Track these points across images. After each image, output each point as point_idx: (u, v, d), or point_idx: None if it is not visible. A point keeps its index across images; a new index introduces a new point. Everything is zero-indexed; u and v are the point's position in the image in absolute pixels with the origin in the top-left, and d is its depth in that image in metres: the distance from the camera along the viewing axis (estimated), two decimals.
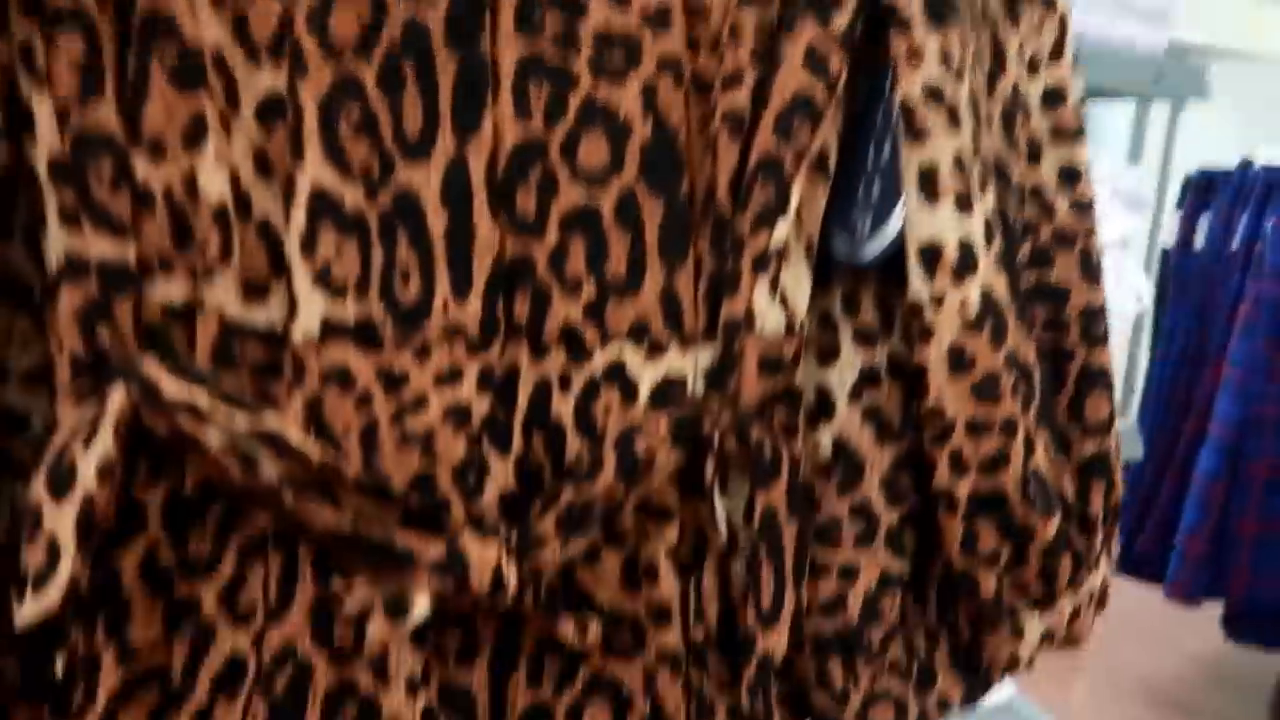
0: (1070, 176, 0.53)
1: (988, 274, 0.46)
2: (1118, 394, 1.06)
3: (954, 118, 0.44)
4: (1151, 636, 2.84)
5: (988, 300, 0.46)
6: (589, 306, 0.42)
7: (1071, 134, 0.52)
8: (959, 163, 0.44)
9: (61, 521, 0.36)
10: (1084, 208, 0.53)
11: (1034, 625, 0.50)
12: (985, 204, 0.46)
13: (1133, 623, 2.94)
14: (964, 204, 0.45)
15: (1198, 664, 2.63)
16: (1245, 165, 2.16)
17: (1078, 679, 2.63)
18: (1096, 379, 0.53)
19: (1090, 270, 0.53)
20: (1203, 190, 2.27)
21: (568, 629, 0.43)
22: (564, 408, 0.43)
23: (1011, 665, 0.51)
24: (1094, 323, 0.53)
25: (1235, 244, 2.12)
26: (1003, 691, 1.30)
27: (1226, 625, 2.29)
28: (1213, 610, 2.34)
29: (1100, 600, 0.53)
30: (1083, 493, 0.53)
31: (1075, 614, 0.51)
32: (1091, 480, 0.53)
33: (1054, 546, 0.47)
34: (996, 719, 1.24)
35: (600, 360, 0.43)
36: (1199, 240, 2.27)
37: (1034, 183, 0.52)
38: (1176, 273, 2.34)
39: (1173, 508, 2.24)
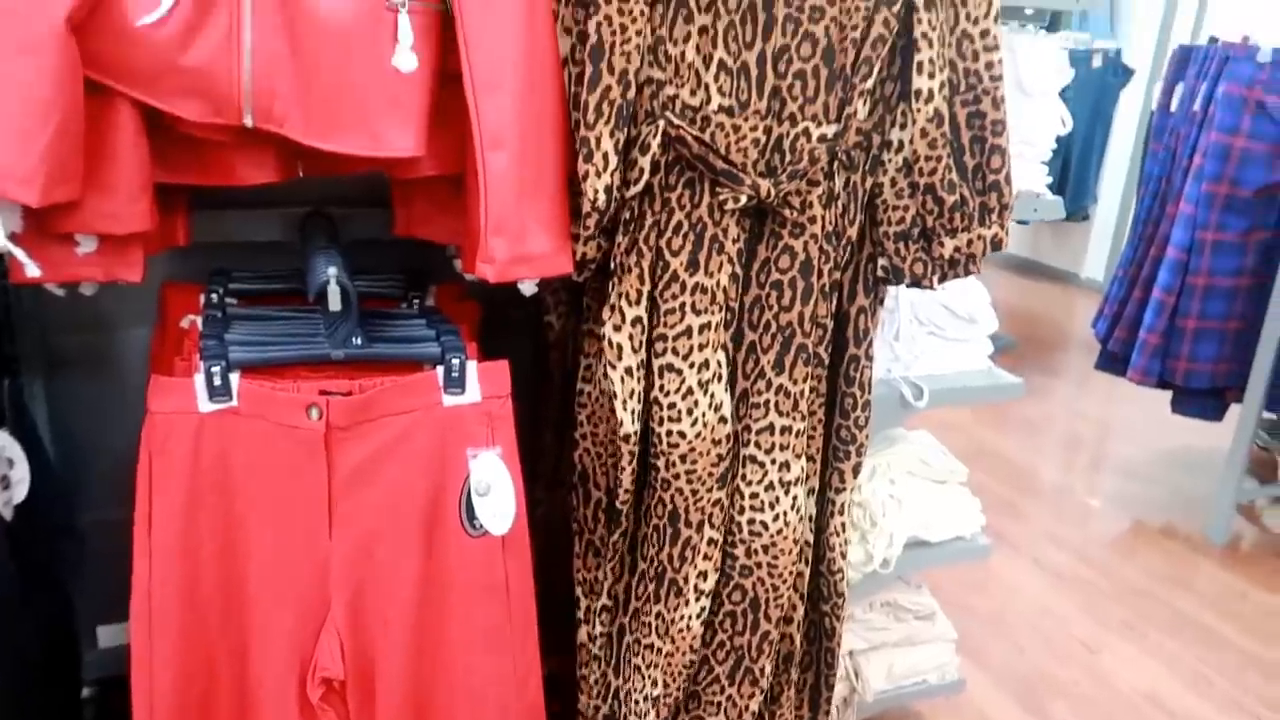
0: (989, 64, 1.17)
1: (939, 100, 1.12)
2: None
3: (930, 42, 1.10)
4: (1127, 434, 3.55)
5: (937, 112, 1.12)
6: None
7: (992, 46, 1.17)
8: (932, 62, 1.10)
9: None
10: (995, 77, 1.18)
11: (949, 243, 1.18)
12: (941, 75, 1.12)
13: (1113, 424, 3.65)
14: (932, 75, 1.11)
15: (1161, 452, 3.34)
16: (1211, 41, 2.71)
17: (1076, 460, 3.35)
18: (999, 133, 1.17)
19: (995, 101, 1.18)
20: (1181, 63, 2.83)
21: (785, 213, 1.12)
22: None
23: (950, 263, 1.19)
24: (997, 127, 1.18)
25: (1197, 106, 2.70)
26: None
27: (1173, 404, 2.98)
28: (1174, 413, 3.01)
29: (994, 244, 1.20)
30: (985, 168, 1.18)
31: (972, 243, 1.19)
32: (990, 159, 1.17)
33: (957, 203, 1.15)
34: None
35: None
36: (1175, 103, 2.84)
37: (968, 65, 1.17)
38: (1157, 129, 2.92)
39: (1137, 315, 2.89)
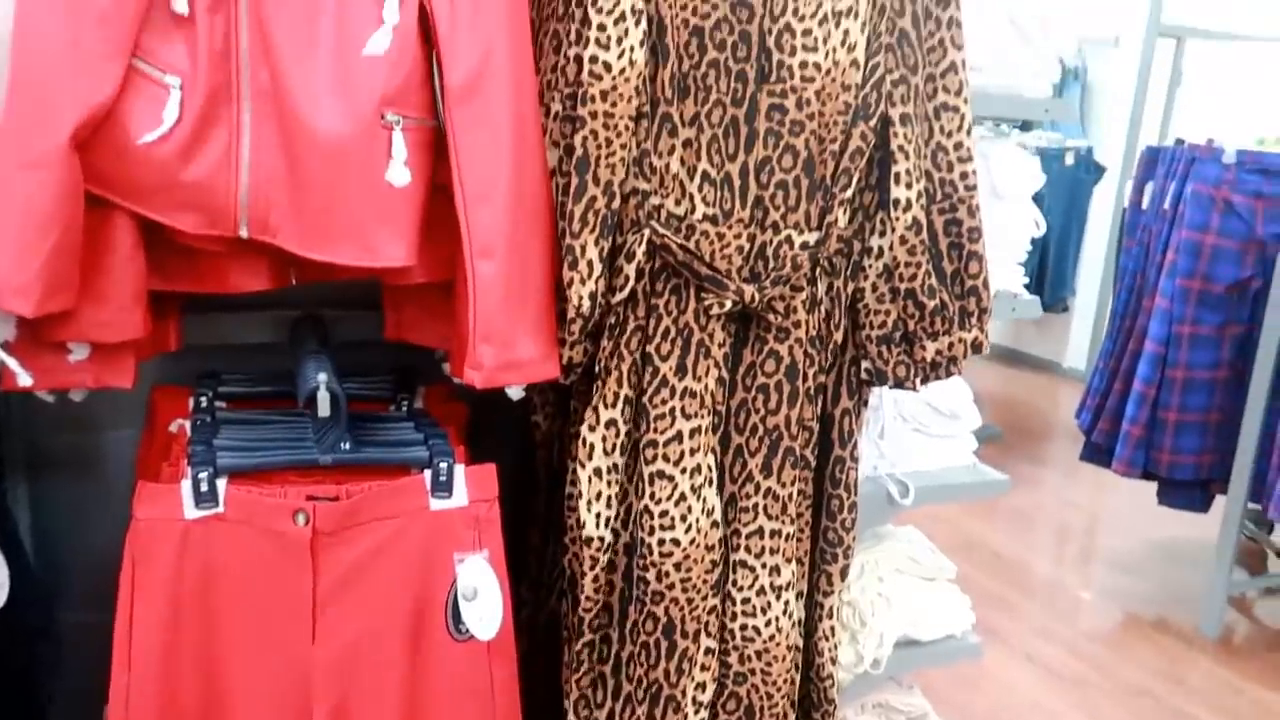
0: (964, 174, 1.22)
1: (917, 209, 1.16)
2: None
3: (906, 154, 1.14)
4: (1116, 524, 3.55)
5: (915, 220, 1.16)
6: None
7: (965, 158, 1.21)
8: (909, 173, 1.14)
9: None
10: (969, 186, 1.22)
11: (931, 346, 1.20)
12: (918, 186, 1.16)
13: (1101, 514, 3.65)
14: (910, 185, 1.15)
15: (1150, 543, 3.33)
16: (1178, 143, 2.82)
17: (1066, 552, 3.34)
18: (975, 240, 1.21)
19: (970, 210, 1.21)
20: (1150, 163, 2.92)
21: (769, 318, 1.13)
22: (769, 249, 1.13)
23: (932, 366, 1.21)
24: (974, 234, 1.22)
25: (1168, 204, 2.78)
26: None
27: (1159, 495, 2.99)
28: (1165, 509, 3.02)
29: (975, 347, 1.23)
30: (964, 274, 1.21)
31: (953, 346, 1.21)
32: (968, 265, 1.21)
33: (937, 307, 1.18)
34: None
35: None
36: (1146, 201, 2.92)
37: (944, 175, 1.21)
38: (1129, 226, 3.00)
39: (1119, 407, 2.92)
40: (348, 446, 1.07)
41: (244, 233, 0.95)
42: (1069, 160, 4.55)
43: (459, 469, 1.08)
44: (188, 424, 1.13)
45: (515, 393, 1.11)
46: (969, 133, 1.19)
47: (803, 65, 1.10)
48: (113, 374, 1.00)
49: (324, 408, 1.04)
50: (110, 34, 0.87)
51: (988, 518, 3.44)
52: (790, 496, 1.21)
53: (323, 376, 1.04)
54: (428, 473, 1.07)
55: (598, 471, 1.14)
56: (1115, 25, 4.83)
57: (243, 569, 1.02)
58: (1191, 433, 2.77)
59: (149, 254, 0.98)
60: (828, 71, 1.10)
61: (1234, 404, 2.69)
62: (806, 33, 1.09)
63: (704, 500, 1.17)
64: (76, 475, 1.35)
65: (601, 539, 1.16)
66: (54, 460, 1.34)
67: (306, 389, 1.04)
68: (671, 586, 1.16)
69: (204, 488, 1.00)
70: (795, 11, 1.09)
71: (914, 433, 1.66)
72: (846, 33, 1.10)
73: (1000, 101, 1.50)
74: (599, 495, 1.14)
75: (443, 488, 1.08)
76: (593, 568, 1.17)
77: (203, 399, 1.18)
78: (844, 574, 1.29)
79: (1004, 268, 1.61)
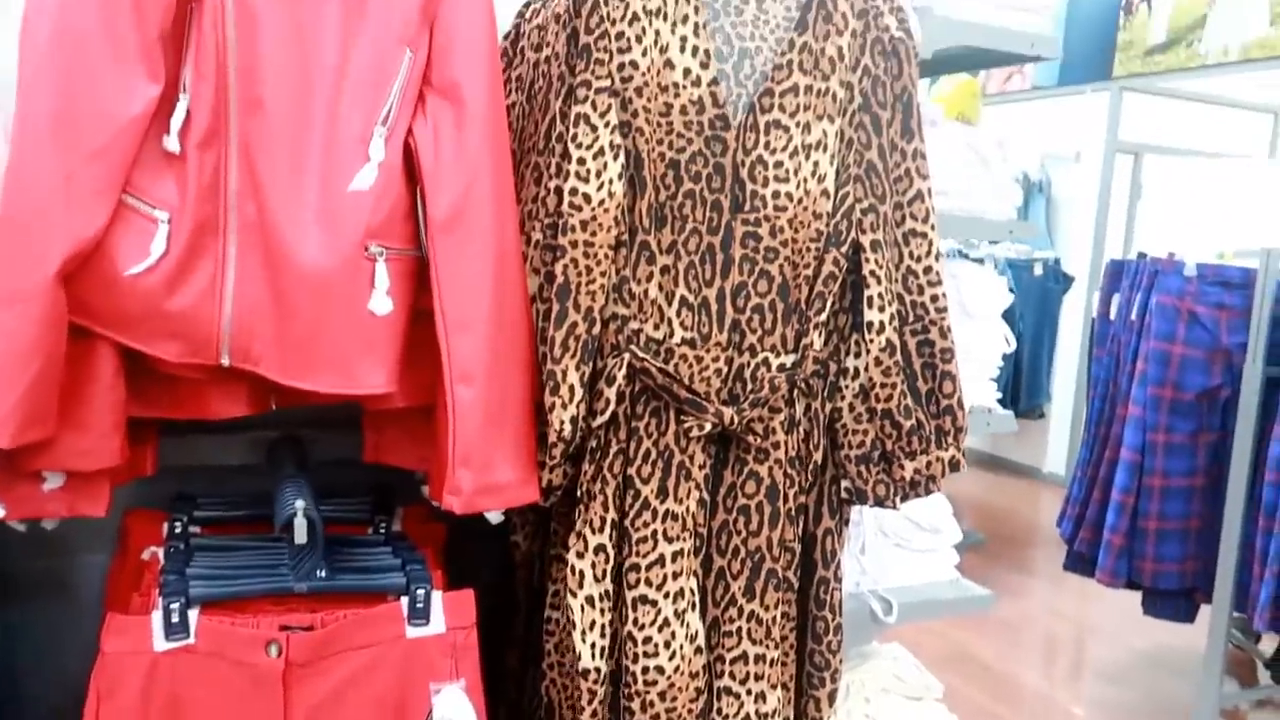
0: (934, 297, 1.25)
1: (890, 331, 1.19)
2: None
3: (878, 278, 1.17)
4: (1104, 634, 3.51)
5: (889, 342, 1.18)
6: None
7: (935, 281, 1.24)
8: (881, 296, 1.18)
9: None
10: (940, 309, 1.25)
11: (909, 465, 1.21)
12: (890, 309, 1.19)
13: (1088, 624, 3.61)
14: (882, 309, 1.18)
15: (1139, 653, 3.29)
16: (1140, 256, 2.90)
17: (1055, 664, 3.29)
18: (948, 360, 1.23)
19: (942, 331, 1.25)
20: (1114, 275, 3.00)
21: (749, 439, 1.14)
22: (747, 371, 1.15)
23: (911, 485, 1.22)
24: (946, 355, 1.25)
25: (1134, 315, 2.84)
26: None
27: (1145, 606, 2.96)
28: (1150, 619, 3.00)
29: (953, 466, 1.24)
30: (938, 393, 1.23)
31: (931, 465, 1.22)
32: (942, 385, 1.23)
33: (914, 427, 1.19)
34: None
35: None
36: (1113, 312, 2.99)
37: (915, 298, 1.25)
38: (1099, 336, 3.06)
39: (1099, 516, 2.92)
40: (323, 574, 1.05)
41: (226, 361, 0.96)
42: (1038, 271, 4.67)
43: (436, 595, 1.07)
44: (161, 551, 1.11)
45: (494, 517, 1.10)
46: (937, 257, 1.23)
47: (775, 195, 1.14)
48: (87, 502, 0.99)
49: (301, 534, 1.03)
50: (103, 171, 0.89)
51: (976, 628, 3.39)
52: (774, 620, 1.20)
53: (300, 503, 1.03)
54: (404, 599, 1.06)
55: (590, 600, 1.12)
56: (1076, 141, 5.03)
57: (212, 702, 0.99)
58: (1173, 541, 2.77)
59: (129, 381, 0.98)
60: (799, 201, 1.14)
61: (1213, 511, 2.69)
62: (778, 164, 1.14)
63: (687, 625, 1.15)
64: (47, 602, 1.32)
65: (599, 670, 1.13)
66: (24, 586, 1.31)
67: (284, 515, 1.03)
68: (656, 717, 1.14)
69: (175, 618, 0.98)
70: (767, 145, 1.13)
71: (895, 548, 1.65)
72: (816, 164, 1.15)
73: (966, 224, 1.55)
74: (593, 624, 1.12)
75: (419, 615, 1.06)
76: (590, 701, 1.13)
77: (177, 524, 1.17)
78: (832, 699, 1.26)
79: (977, 384, 1.64)
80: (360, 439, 1.22)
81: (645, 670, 1.13)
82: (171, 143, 0.92)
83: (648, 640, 1.13)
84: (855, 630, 1.58)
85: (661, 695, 1.13)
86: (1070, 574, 3.20)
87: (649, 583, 1.13)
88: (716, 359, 1.15)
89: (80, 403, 0.94)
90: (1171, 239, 3.20)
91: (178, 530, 1.16)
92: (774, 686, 1.20)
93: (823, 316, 1.18)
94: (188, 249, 0.93)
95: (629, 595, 1.13)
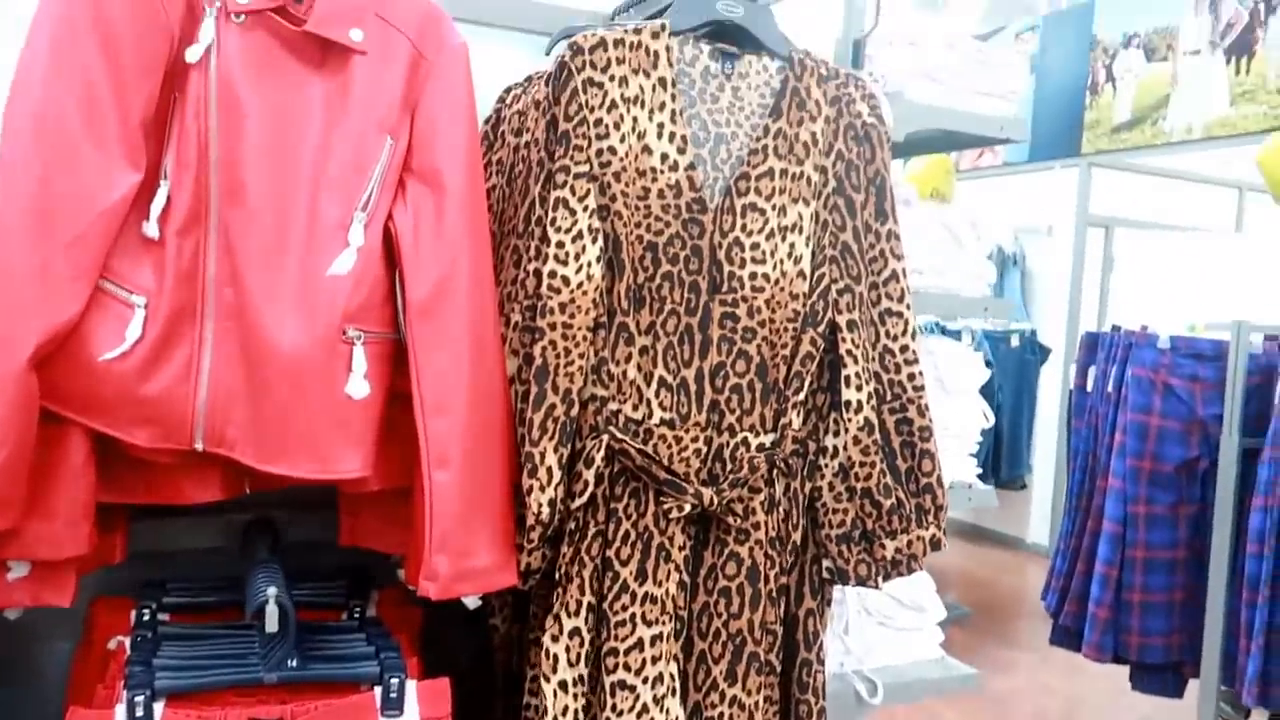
0: (911, 375, 1.26)
1: (868, 410, 1.19)
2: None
3: (855, 358, 1.18)
4: (1094, 709, 3.46)
5: (867, 421, 1.19)
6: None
7: (912, 360, 1.25)
8: (859, 375, 1.18)
9: None
10: (917, 387, 1.26)
11: (890, 544, 1.21)
12: (868, 388, 1.19)
13: (1077, 698, 3.56)
14: (860, 388, 1.18)
15: None
16: (1115, 329, 2.94)
17: None
18: (926, 438, 1.24)
19: (920, 409, 1.25)
20: (1090, 348, 3.04)
21: (729, 520, 1.13)
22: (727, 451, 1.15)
23: (893, 564, 1.21)
24: (924, 433, 1.25)
25: (1111, 387, 2.87)
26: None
27: (1132, 680, 2.92)
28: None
29: (934, 544, 1.23)
30: (918, 472, 1.23)
31: (912, 544, 1.21)
32: (921, 463, 1.23)
33: (894, 505, 1.19)
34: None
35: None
36: (1090, 383, 3.01)
37: (892, 377, 1.26)
38: (1077, 408, 3.08)
39: (1083, 589, 2.90)
40: (295, 663, 1.03)
41: (200, 446, 0.95)
42: (1014, 342, 4.72)
43: (410, 685, 1.04)
44: (127, 640, 1.08)
45: (471, 602, 1.08)
46: (913, 336, 1.24)
47: (752, 276, 1.15)
48: (52, 592, 0.97)
49: (272, 623, 1.01)
50: (80, 257, 0.89)
51: (964, 705, 3.34)
52: (756, 705, 1.17)
53: (272, 590, 1.01)
54: (378, 689, 1.03)
55: (563, 685, 1.10)
56: (1048, 215, 5.14)
57: None
58: (1158, 613, 2.75)
59: (100, 466, 0.97)
60: (776, 281, 1.16)
61: (1196, 583, 2.68)
62: (755, 246, 1.15)
63: (667, 711, 1.13)
64: (10, 691, 1.28)
65: None
66: None
67: (255, 602, 1.01)
68: None
69: (139, 712, 0.95)
70: (744, 228, 1.15)
71: (879, 626, 1.64)
72: (792, 246, 1.17)
73: (942, 301, 1.57)
74: (565, 710, 1.10)
75: (393, 705, 1.03)
76: None
77: (145, 612, 1.14)
78: None
79: (957, 459, 1.64)
80: (336, 520, 1.21)
81: None
82: (151, 229, 0.93)
83: None
84: (840, 712, 1.55)
85: None
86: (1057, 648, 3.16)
87: (627, 667, 1.11)
88: (695, 439, 1.15)
89: (48, 489, 0.92)
90: (1144, 311, 3.25)
91: (145, 618, 1.13)
92: None
93: (801, 396, 1.18)
94: (164, 334, 0.93)
95: (607, 681, 1.10)
